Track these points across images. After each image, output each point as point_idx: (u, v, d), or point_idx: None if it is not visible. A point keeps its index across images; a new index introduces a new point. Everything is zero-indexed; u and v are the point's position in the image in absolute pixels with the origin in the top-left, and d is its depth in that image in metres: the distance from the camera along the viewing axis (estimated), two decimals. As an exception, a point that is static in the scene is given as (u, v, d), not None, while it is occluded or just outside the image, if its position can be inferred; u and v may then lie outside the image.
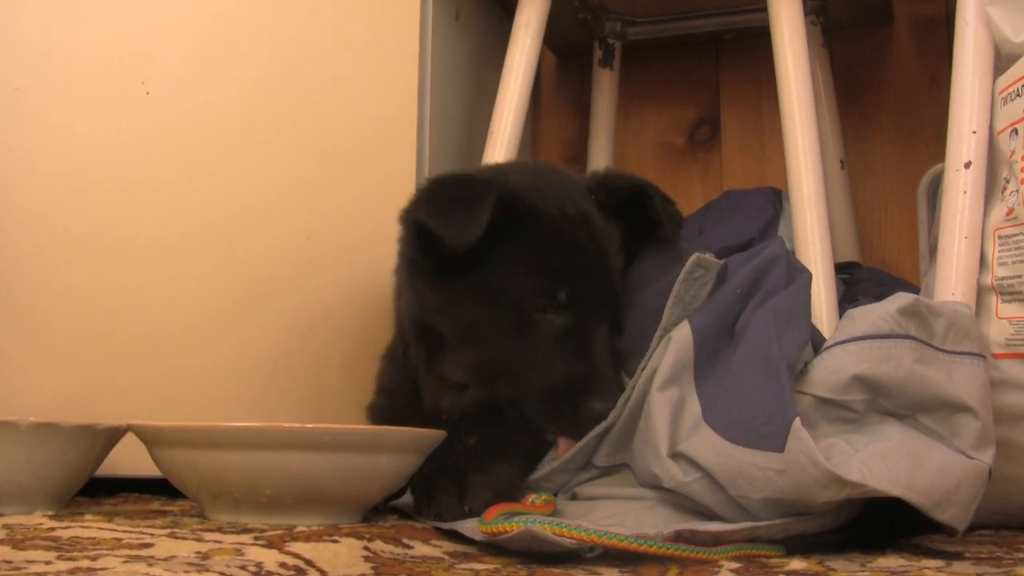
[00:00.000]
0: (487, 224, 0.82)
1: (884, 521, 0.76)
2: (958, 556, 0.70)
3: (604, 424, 0.84)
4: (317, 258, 1.14)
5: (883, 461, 0.70)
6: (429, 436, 0.82)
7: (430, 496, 0.82)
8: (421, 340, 0.93)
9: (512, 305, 0.86)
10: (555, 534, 0.65)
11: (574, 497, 0.86)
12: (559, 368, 0.84)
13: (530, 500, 0.79)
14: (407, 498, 0.88)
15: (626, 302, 0.90)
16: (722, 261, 0.85)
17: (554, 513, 0.78)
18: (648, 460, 0.79)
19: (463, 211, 0.83)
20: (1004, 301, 0.88)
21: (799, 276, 0.85)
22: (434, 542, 0.72)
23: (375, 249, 1.13)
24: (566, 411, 0.84)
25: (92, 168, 1.07)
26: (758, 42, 1.33)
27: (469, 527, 0.75)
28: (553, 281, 0.86)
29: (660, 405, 0.79)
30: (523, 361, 0.86)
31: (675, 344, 0.81)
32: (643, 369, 0.83)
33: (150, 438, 0.81)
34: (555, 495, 0.84)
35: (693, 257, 0.83)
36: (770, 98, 1.49)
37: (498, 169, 0.99)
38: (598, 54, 1.55)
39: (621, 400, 0.83)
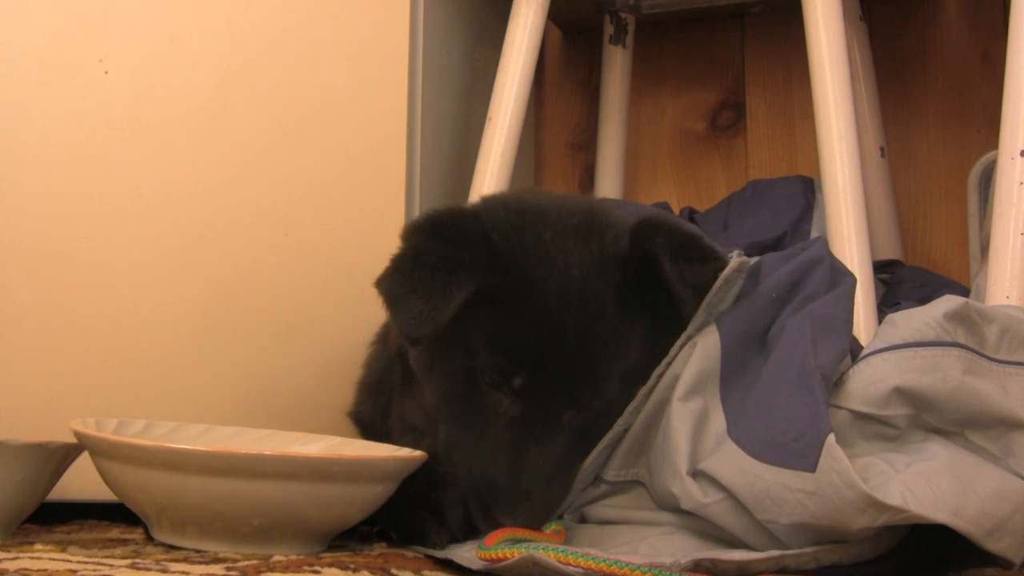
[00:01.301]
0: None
1: (930, 551, 0.76)
2: (1013, 590, 0.70)
3: (616, 432, 0.84)
4: (294, 256, 1.14)
5: (927, 483, 0.70)
6: (412, 459, 0.84)
7: (411, 528, 0.84)
8: (399, 360, 0.94)
9: (466, 372, 0.84)
10: (560, 561, 0.65)
11: (583, 519, 0.86)
12: (485, 463, 0.82)
13: None
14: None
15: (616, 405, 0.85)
16: (752, 256, 0.85)
17: (564, 541, 0.79)
18: (666, 478, 0.79)
19: (427, 300, 0.80)
20: (1064, 304, 0.88)
21: (842, 280, 0.85)
22: (426, 572, 0.72)
23: (358, 247, 1.13)
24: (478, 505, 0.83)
25: (44, 155, 1.07)
26: (788, 16, 1.33)
27: (466, 556, 0.76)
28: (514, 362, 0.82)
29: (681, 417, 0.79)
30: (464, 432, 0.85)
31: (700, 351, 0.81)
32: (659, 375, 0.83)
33: (104, 454, 0.81)
34: (562, 517, 0.84)
35: (735, 263, 0.82)
36: (801, 79, 1.49)
37: (516, 220, 0.86)
38: (609, 30, 1.55)
39: (632, 407, 0.83)
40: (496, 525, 0.79)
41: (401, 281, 0.82)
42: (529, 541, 0.74)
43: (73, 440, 0.85)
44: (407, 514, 0.86)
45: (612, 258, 0.85)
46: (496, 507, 0.80)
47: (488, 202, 0.92)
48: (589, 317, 0.83)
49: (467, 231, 0.84)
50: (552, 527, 0.80)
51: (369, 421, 1.01)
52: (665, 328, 0.84)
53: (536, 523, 0.80)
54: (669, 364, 0.83)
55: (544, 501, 0.81)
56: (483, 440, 0.83)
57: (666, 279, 0.82)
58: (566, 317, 0.82)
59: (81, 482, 0.91)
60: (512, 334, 0.82)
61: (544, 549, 0.67)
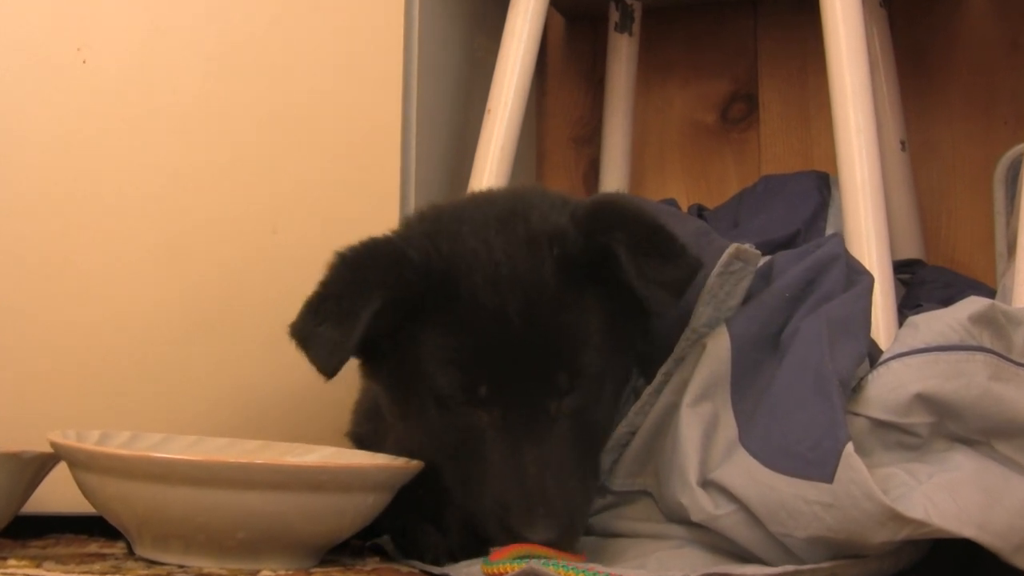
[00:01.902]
0: (391, 313, 0.81)
1: (954, 567, 0.75)
2: (1043, 609, 0.70)
3: (621, 434, 0.84)
4: (284, 255, 1.14)
5: (951, 495, 0.70)
6: (406, 469, 0.84)
7: (410, 541, 0.85)
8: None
9: (433, 398, 0.84)
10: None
11: (588, 531, 0.86)
12: (488, 484, 0.81)
13: None
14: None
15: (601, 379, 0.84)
16: (763, 254, 0.85)
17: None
18: (675, 488, 0.79)
19: (335, 329, 0.81)
20: (1094, 306, 0.87)
21: (859, 279, 0.85)
22: (421, 590, 0.72)
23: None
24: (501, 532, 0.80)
25: (16, 149, 1.07)
26: (803, 2, 1.33)
27: (466, 571, 0.76)
28: (473, 373, 0.81)
29: (690, 424, 0.79)
30: (451, 460, 0.84)
31: (710, 354, 0.81)
32: (666, 373, 0.83)
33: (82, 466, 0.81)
34: None
35: (731, 248, 0.82)
36: (817, 69, 1.47)
37: (431, 227, 0.88)
38: (614, 17, 1.55)
39: (637, 406, 0.83)
40: (520, 539, 0.77)
41: (309, 318, 0.84)
42: (541, 557, 0.73)
43: (49, 450, 0.85)
44: (409, 527, 0.86)
45: (542, 234, 0.84)
46: (521, 526, 0.78)
47: (407, 219, 0.94)
48: (529, 296, 0.82)
49: (375, 254, 0.85)
50: None
51: (368, 443, 1.01)
52: (628, 297, 0.82)
53: (564, 536, 0.78)
54: (677, 363, 0.83)
55: (562, 503, 0.79)
56: (479, 462, 0.82)
57: (625, 275, 0.80)
58: (504, 303, 0.81)
59: (57, 494, 0.91)
60: (457, 342, 0.82)
61: (546, 563, 0.67)
